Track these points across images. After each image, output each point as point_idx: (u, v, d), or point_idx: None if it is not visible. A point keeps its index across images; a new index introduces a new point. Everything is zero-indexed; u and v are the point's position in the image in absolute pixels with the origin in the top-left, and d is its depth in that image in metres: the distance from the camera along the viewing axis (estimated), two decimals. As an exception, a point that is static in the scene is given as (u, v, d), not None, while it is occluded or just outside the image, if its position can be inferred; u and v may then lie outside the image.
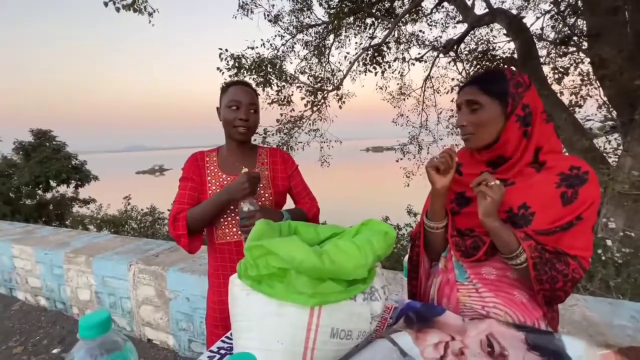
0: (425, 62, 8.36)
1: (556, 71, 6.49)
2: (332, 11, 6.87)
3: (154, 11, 4.57)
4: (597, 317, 1.33)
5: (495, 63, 6.89)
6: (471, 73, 7.27)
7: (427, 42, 8.39)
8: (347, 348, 0.67)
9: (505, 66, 6.44)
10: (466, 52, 7.92)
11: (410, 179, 8.18)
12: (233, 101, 1.16)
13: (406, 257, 1.26)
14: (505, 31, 6.14)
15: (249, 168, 1.22)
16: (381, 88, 8.84)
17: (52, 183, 9.71)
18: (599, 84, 4.84)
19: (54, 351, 2.13)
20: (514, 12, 6.85)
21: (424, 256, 0.99)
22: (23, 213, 8.83)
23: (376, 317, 0.70)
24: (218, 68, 6.42)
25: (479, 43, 7.87)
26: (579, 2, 5.33)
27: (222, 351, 0.75)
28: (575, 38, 6.12)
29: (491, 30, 7.78)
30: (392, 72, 8.40)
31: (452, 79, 8.20)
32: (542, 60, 6.36)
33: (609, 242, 3.11)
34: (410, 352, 0.69)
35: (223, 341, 0.79)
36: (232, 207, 1.18)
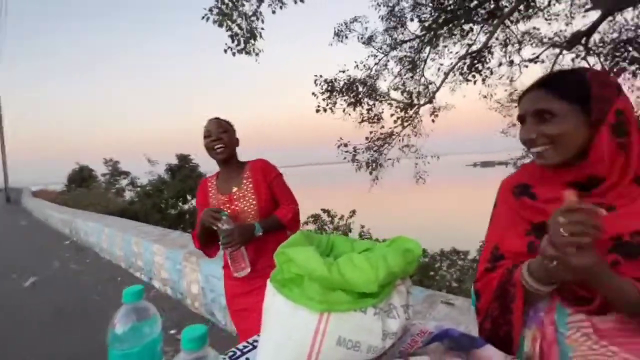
0: (543, 62, 7.28)
1: None
2: (426, 24, 6.70)
3: (260, 51, 5.38)
4: None
5: (643, 53, 5.50)
6: (607, 68, 5.96)
7: (545, 40, 7.30)
8: (355, 359, 0.68)
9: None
10: (600, 44, 6.57)
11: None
12: (206, 131, 1.38)
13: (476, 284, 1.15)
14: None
15: (236, 186, 1.42)
16: (485, 97, 8.04)
17: (189, 197, 12.06)
18: None
19: (171, 332, 2.64)
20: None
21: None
22: (168, 220, 11.16)
23: (391, 334, 0.69)
24: (313, 93, 7.02)
25: (622, 30, 6.42)
26: None
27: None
28: None
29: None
30: (499, 78, 7.57)
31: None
32: None
33: None
34: (425, 378, 0.65)
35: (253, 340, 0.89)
36: None
